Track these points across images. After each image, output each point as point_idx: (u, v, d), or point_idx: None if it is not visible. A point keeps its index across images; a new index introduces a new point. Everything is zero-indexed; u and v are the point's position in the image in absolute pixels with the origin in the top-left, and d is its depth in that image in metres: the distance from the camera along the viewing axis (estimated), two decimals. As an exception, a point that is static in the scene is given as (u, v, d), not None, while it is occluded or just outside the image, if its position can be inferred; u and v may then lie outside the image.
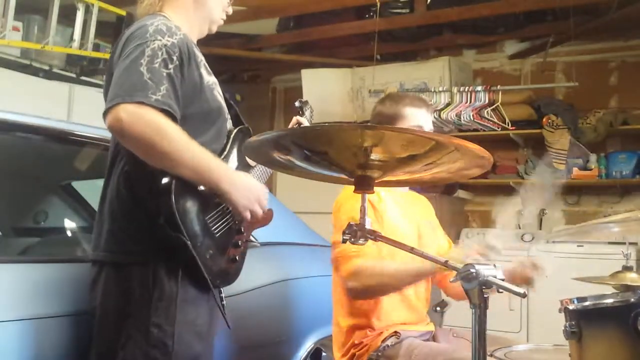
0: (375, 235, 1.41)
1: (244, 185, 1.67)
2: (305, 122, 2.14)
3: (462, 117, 4.68)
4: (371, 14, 4.89)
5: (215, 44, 5.43)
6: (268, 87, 6.21)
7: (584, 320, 1.57)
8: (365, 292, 2.01)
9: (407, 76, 5.12)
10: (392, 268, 1.98)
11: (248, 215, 1.68)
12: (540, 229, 4.98)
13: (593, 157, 4.69)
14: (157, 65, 1.55)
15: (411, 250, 1.44)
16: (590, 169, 4.67)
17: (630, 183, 4.61)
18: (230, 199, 1.64)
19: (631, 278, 1.74)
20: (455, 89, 4.76)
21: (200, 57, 1.72)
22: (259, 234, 2.55)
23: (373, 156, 1.29)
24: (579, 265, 4.10)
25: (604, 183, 4.70)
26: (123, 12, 4.58)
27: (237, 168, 1.78)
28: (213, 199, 1.64)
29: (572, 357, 1.61)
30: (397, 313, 2.10)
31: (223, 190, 1.62)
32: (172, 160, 1.53)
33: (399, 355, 1.99)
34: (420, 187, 2.47)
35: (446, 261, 1.36)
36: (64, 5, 4.27)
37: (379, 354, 2.02)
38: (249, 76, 6.38)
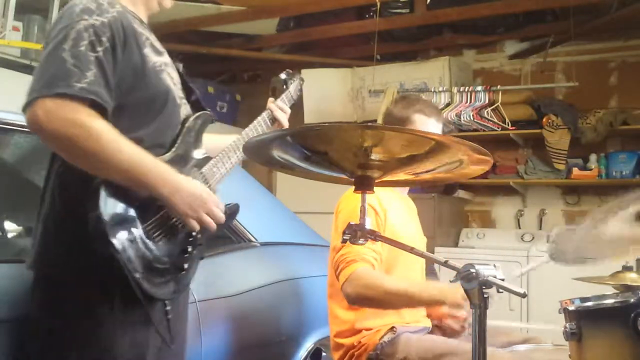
0: (375, 235, 1.41)
1: (188, 191, 1.47)
2: (277, 110, 1.84)
3: (462, 117, 4.68)
4: (371, 14, 4.88)
5: (215, 44, 5.44)
6: (268, 87, 6.19)
7: (583, 321, 1.57)
8: (360, 300, 1.98)
9: (407, 76, 5.11)
10: (390, 286, 1.94)
11: (194, 225, 1.50)
12: (541, 229, 4.97)
13: (593, 157, 4.68)
14: (82, 48, 1.36)
15: (411, 250, 1.44)
16: (590, 169, 4.66)
17: (630, 183, 4.60)
18: (172, 205, 1.45)
19: (631, 278, 1.74)
20: (455, 89, 4.75)
21: (146, 36, 1.53)
22: (259, 234, 2.55)
23: (373, 156, 1.30)
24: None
25: (604, 183, 4.69)
26: (123, 12, 4.57)
27: (190, 160, 1.59)
28: (154, 202, 1.46)
29: (572, 358, 1.61)
30: (396, 312, 2.10)
31: (162, 196, 1.44)
32: (99, 162, 1.36)
33: (398, 352, 1.98)
34: (420, 187, 2.46)
35: (446, 261, 1.36)
36: (64, 6, 4.27)
37: (378, 352, 2.01)
38: (249, 76, 6.38)
